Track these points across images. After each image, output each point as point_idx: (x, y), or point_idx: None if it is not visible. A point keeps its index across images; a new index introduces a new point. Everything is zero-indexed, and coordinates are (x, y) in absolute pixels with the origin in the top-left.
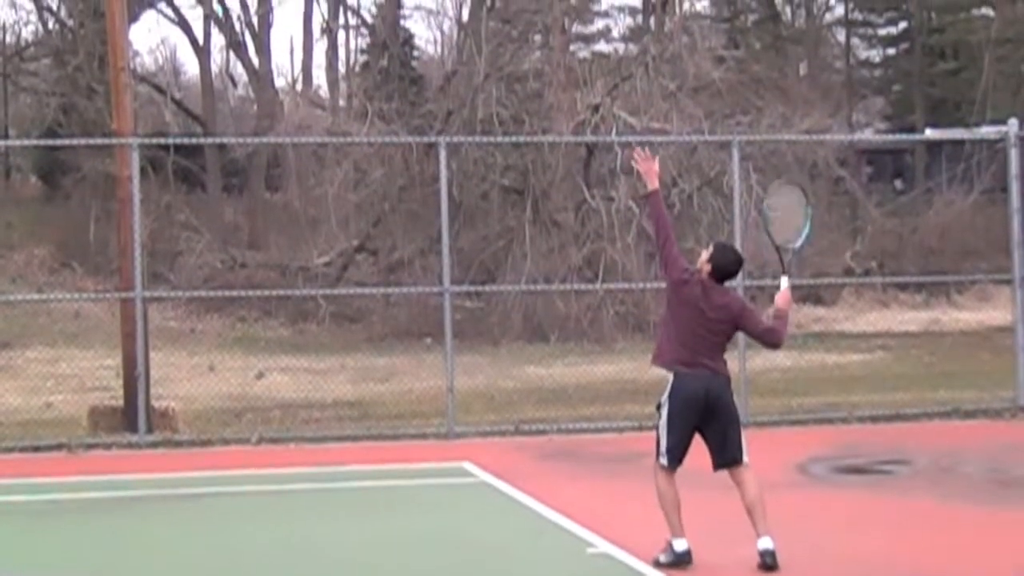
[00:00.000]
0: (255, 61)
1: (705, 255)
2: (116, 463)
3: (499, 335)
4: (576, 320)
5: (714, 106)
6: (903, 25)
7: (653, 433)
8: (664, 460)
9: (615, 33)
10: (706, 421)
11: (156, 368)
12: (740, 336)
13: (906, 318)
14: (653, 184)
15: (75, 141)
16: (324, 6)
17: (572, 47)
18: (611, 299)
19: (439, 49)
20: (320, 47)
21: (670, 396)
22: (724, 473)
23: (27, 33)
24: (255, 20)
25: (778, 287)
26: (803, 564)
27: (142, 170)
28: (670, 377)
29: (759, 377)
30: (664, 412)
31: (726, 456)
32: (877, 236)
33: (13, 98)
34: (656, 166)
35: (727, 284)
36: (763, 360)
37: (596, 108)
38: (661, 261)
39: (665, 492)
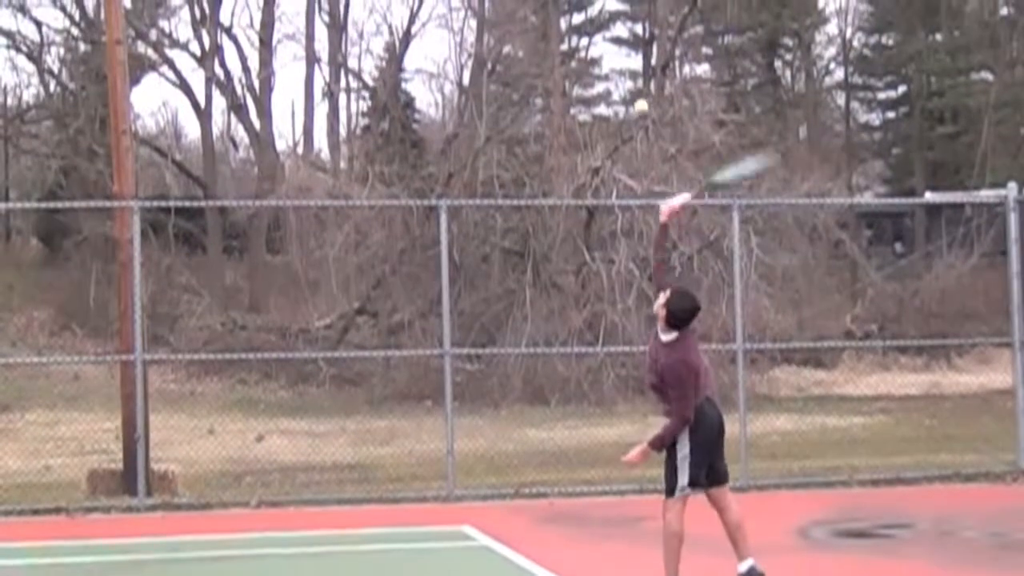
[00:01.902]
0: (256, 124)
1: (662, 299)
2: (115, 527)
3: (499, 398)
4: (577, 383)
5: (714, 169)
6: (902, 89)
7: (657, 495)
8: (688, 491)
9: (615, 96)
10: (719, 443)
11: (156, 431)
12: (740, 398)
13: (907, 381)
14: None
15: (76, 204)
16: (325, 69)
17: (572, 110)
18: (612, 362)
19: (440, 112)
20: (321, 110)
21: (693, 431)
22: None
23: (28, 95)
24: (256, 83)
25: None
26: None
27: (143, 232)
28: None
29: (759, 440)
30: (686, 450)
31: (724, 471)
32: (877, 299)
33: (14, 160)
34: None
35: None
36: (763, 423)
37: (596, 171)
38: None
39: (676, 531)
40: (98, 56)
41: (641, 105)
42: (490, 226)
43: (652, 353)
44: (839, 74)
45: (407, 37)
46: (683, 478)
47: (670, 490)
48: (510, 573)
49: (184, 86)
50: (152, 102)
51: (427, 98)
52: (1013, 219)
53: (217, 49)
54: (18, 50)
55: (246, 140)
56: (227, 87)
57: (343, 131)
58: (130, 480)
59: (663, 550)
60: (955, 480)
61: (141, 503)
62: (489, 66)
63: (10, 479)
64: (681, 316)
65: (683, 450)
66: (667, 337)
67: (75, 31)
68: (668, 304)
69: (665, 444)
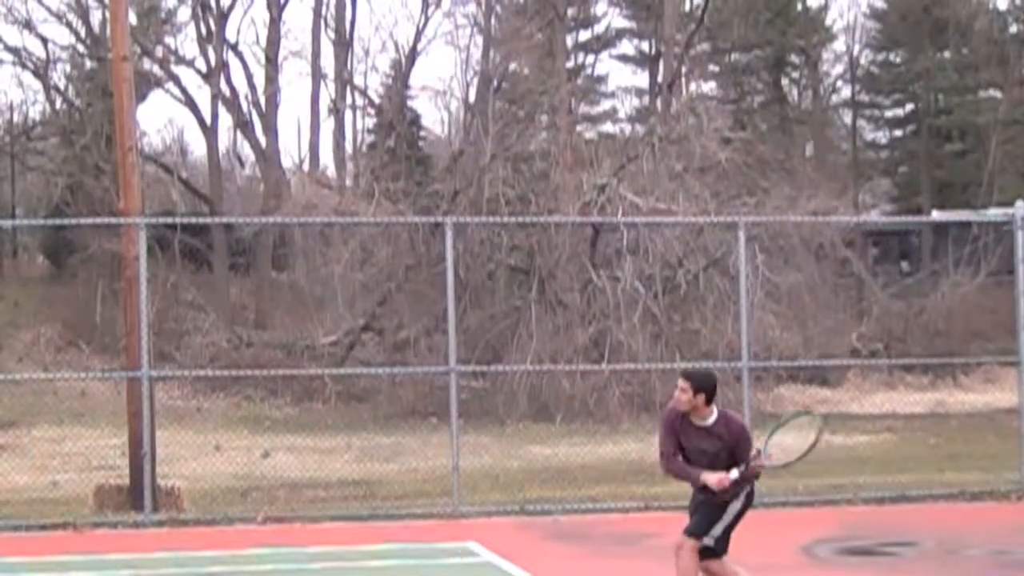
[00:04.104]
0: (262, 141)
1: (685, 393)
2: (122, 542)
3: (505, 415)
4: (582, 400)
5: (720, 187)
6: (910, 107)
7: (660, 512)
8: (712, 542)
9: (621, 114)
10: None
11: (162, 447)
12: (745, 416)
13: (912, 400)
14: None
15: (82, 220)
16: (331, 86)
17: (579, 128)
18: (617, 379)
19: (446, 129)
20: (327, 127)
21: (749, 494)
22: None
23: (34, 112)
24: (262, 100)
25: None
26: None
27: (149, 249)
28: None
29: None
30: (739, 506)
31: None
32: (883, 317)
33: (20, 177)
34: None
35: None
36: None
37: (602, 188)
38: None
39: (693, 569)
40: (104, 73)
41: None
42: (496, 243)
43: (705, 445)
44: (846, 92)
45: (413, 54)
46: (719, 528)
47: (699, 533)
48: None
49: (190, 103)
50: (158, 119)
51: (433, 115)
52: (1020, 238)
53: (223, 66)
54: (24, 67)
55: (252, 157)
56: (233, 104)
57: (349, 148)
58: (137, 496)
59: None
60: (960, 499)
61: (148, 518)
62: (495, 83)
63: (18, 494)
64: (713, 388)
65: (736, 504)
66: (709, 420)
67: (81, 48)
68: (698, 389)
69: (742, 482)
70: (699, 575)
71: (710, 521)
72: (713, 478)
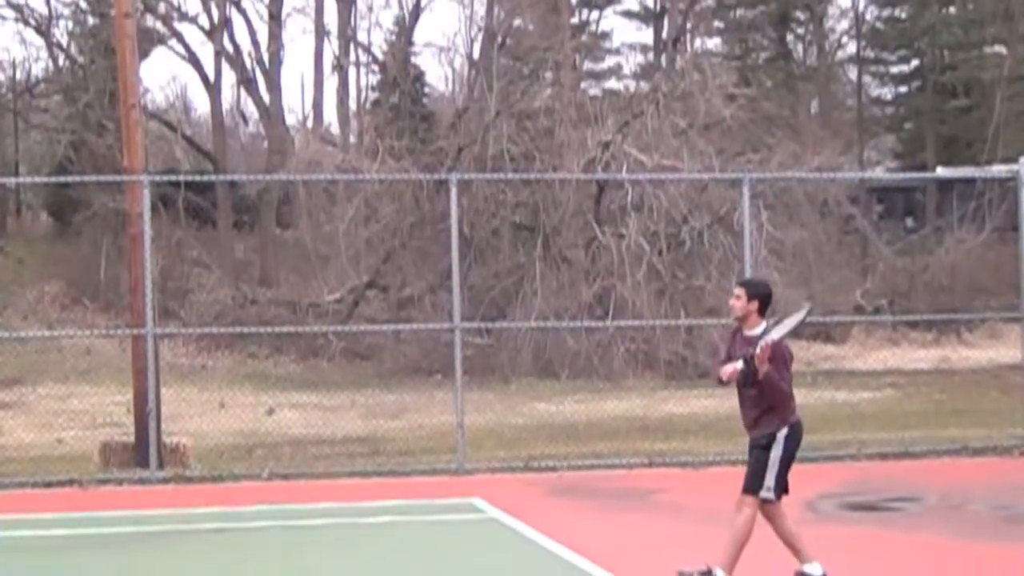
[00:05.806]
0: (266, 98)
1: (739, 299)
2: (127, 499)
3: (509, 372)
4: (586, 357)
5: (725, 143)
6: (915, 63)
7: (665, 468)
8: (771, 494)
9: (626, 70)
10: None
11: (167, 404)
12: None
13: (916, 356)
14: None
15: (86, 178)
16: (335, 43)
17: (583, 84)
18: (621, 336)
19: (450, 86)
20: (331, 84)
21: (788, 437)
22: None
23: (37, 69)
24: (266, 57)
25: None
26: None
27: (153, 207)
28: (784, 426)
29: None
30: (780, 452)
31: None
32: (887, 274)
33: (24, 135)
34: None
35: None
36: None
37: (607, 145)
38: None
39: (747, 533)
40: (107, 29)
41: None
42: (500, 200)
43: (742, 353)
44: (851, 48)
45: (417, 10)
46: (770, 479)
47: (754, 488)
48: (519, 545)
49: (193, 60)
50: (161, 76)
51: (437, 72)
52: None
53: (226, 22)
54: (27, 23)
55: (256, 114)
56: (236, 61)
57: (353, 105)
58: (142, 453)
59: (727, 542)
60: (963, 454)
61: (153, 475)
62: (499, 39)
63: (23, 452)
64: (768, 297)
65: (777, 451)
66: (755, 331)
67: (83, 4)
68: (752, 295)
69: (765, 381)
70: (750, 535)
71: (759, 473)
72: (721, 368)
